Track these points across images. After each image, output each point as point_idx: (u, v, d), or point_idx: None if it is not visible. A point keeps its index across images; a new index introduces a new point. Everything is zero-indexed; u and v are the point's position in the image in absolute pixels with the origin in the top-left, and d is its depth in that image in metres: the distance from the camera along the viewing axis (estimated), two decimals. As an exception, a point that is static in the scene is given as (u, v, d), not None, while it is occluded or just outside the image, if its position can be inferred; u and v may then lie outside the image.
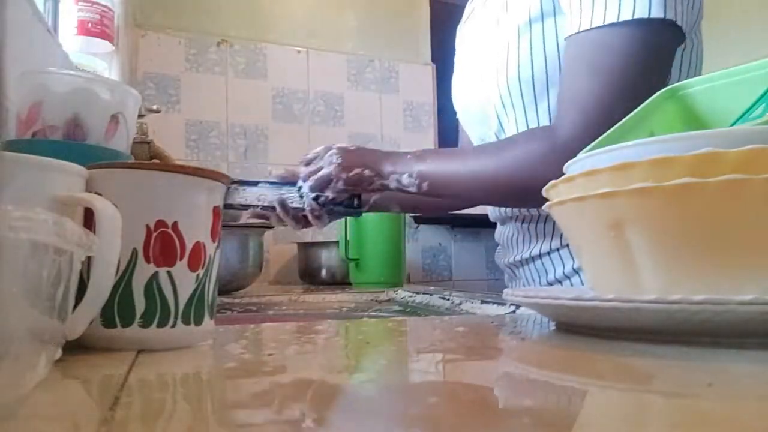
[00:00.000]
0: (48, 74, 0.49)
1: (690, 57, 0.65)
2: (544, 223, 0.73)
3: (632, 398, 0.23)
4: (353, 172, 0.71)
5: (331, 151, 0.73)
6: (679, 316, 0.30)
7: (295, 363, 0.30)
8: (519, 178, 0.61)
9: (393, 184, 0.70)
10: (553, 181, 0.39)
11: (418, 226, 1.77)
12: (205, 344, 0.35)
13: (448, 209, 0.98)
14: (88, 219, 0.30)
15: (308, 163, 0.76)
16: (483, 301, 0.69)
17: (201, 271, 0.34)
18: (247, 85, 1.62)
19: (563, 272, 0.71)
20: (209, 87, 1.57)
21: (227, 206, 0.72)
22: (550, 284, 0.73)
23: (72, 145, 0.46)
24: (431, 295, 0.85)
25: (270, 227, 1.19)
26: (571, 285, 0.70)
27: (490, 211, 0.85)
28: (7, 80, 0.44)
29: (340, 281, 1.38)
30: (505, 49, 0.69)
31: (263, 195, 0.76)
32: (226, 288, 1.07)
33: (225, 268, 1.07)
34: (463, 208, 0.94)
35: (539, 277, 0.75)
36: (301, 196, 0.75)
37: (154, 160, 0.93)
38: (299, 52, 1.69)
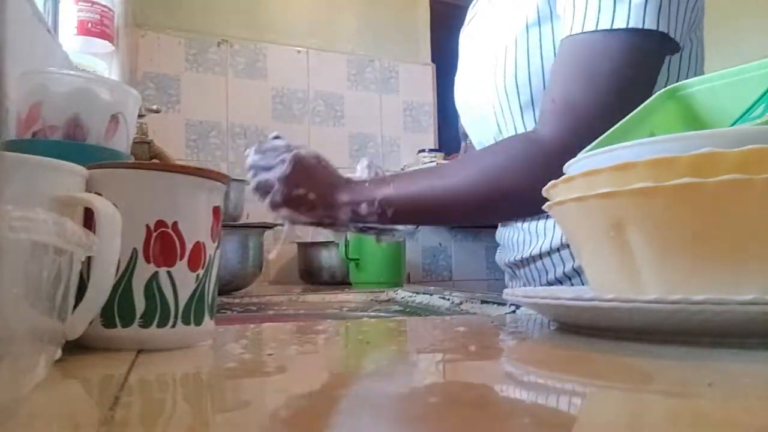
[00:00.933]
0: (48, 74, 0.49)
1: (688, 59, 0.65)
2: (545, 222, 0.73)
3: (632, 398, 0.23)
4: (294, 192, 0.62)
5: (285, 155, 0.64)
6: (679, 316, 0.30)
7: (295, 363, 0.30)
8: (504, 186, 0.58)
9: (346, 215, 0.62)
10: (553, 181, 0.39)
11: (418, 226, 1.76)
12: (205, 344, 0.35)
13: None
14: (88, 219, 0.30)
15: (262, 152, 0.67)
16: (483, 301, 0.69)
17: (201, 271, 0.34)
18: (247, 85, 1.62)
19: (563, 272, 0.71)
20: (209, 87, 1.57)
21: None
22: (551, 284, 0.73)
23: (72, 145, 0.46)
24: (431, 295, 0.85)
25: (270, 227, 1.19)
26: (572, 285, 0.70)
27: None
28: (7, 80, 0.44)
29: (340, 281, 1.38)
30: (503, 52, 0.69)
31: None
32: (226, 288, 1.07)
33: (225, 268, 1.07)
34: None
35: (540, 276, 0.75)
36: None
37: (154, 160, 0.93)
38: (299, 52, 1.69)
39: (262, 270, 1.22)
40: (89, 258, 0.28)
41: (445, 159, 1.68)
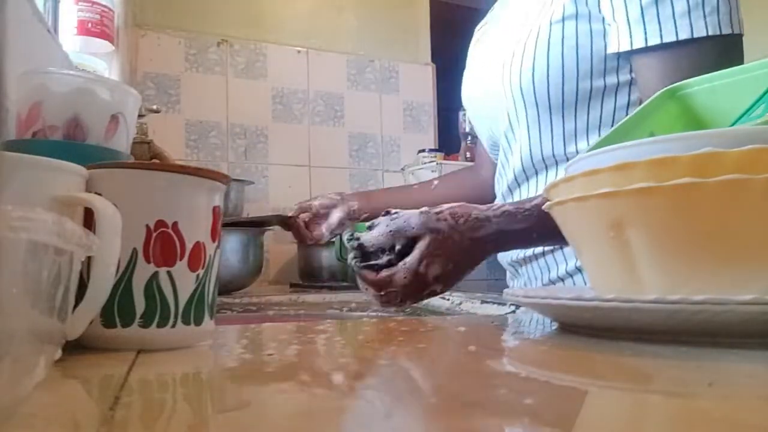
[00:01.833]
0: (48, 74, 0.49)
1: None
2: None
3: (632, 398, 0.23)
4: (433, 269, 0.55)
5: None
6: (679, 316, 0.30)
7: (295, 363, 0.30)
8: None
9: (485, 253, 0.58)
10: (553, 181, 0.39)
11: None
12: (205, 344, 0.35)
13: None
14: (88, 219, 0.30)
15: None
16: (483, 301, 0.69)
17: (201, 271, 0.34)
18: (247, 85, 1.62)
19: (566, 270, 0.71)
20: (209, 87, 1.57)
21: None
22: (553, 282, 0.73)
23: (72, 145, 0.46)
24: (431, 295, 0.85)
25: (270, 227, 1.19)
26: (574, 283, 0.70)
27: None
28: (7, 80, 0.44)
29: (340, 281, 1.38)
30: (521, 49, 0.69)
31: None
32: (226, 288, 1.07)
33: (225, 268, 1.07)
34: None
35: (542, 274, 0.75)
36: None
37: (154, 160, 0.93)
38: (299, 52, 1.69)
39: (262, 270, 1.22)
40: (89, 258, 0.28)
41: (445, 159, 1.68)
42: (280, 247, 1.56)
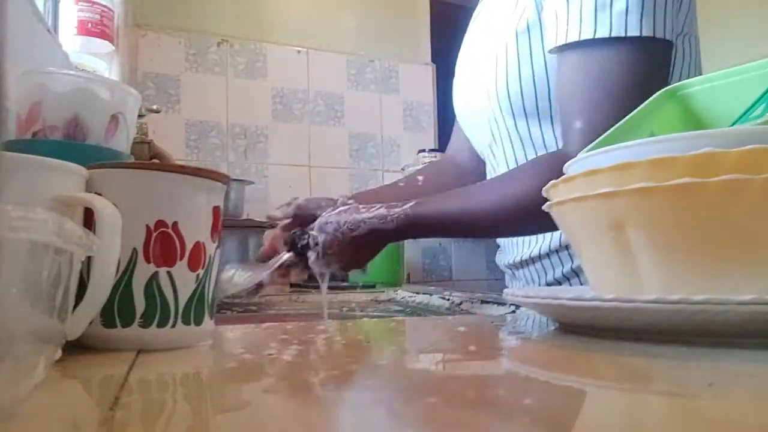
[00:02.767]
0: (48, 74, 0.49)
1: (682, 56, 0.65)
2: (544, 223, 0.73)
3: (632, 398, 0.23)
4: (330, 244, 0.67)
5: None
6: (679, 316, 0.30)
7: (295, 363, 0.30)
8: (537, 209, 0.58)
9: (367, 228, 0.65)
10: (553, 181, 0.38)
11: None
12: (205, 344, 0.35)
13: None
14: (88, 219, 0.30)
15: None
16: (483, 301, 0.69)
17: (201, 271, 0.34)
18: (247, 85, 1.62)
19: (563, 273, 0.71)
20: (209, 87, 1.57)
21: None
22: (550, 285, 0.73)
23: (72, 145, 0.46)
24: (431, 295, 0.85)
25: (270, 227, 1.19)
26: (571, 285, 0.70)
27: None
28: (7, 80, 0.44)
29: (340, 281, 1.38)
30: (494, 61, 0.69)
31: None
32: (226, 288, 1.07)
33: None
34: None
35: (539, 277, 0.75)
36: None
37: (154, 160, 0.93)
38: (299, 52, 1.69)
39: (262, 270, 1.22)
40: (89, 258, 0.28)
41: (445, 159, 1.68)
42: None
